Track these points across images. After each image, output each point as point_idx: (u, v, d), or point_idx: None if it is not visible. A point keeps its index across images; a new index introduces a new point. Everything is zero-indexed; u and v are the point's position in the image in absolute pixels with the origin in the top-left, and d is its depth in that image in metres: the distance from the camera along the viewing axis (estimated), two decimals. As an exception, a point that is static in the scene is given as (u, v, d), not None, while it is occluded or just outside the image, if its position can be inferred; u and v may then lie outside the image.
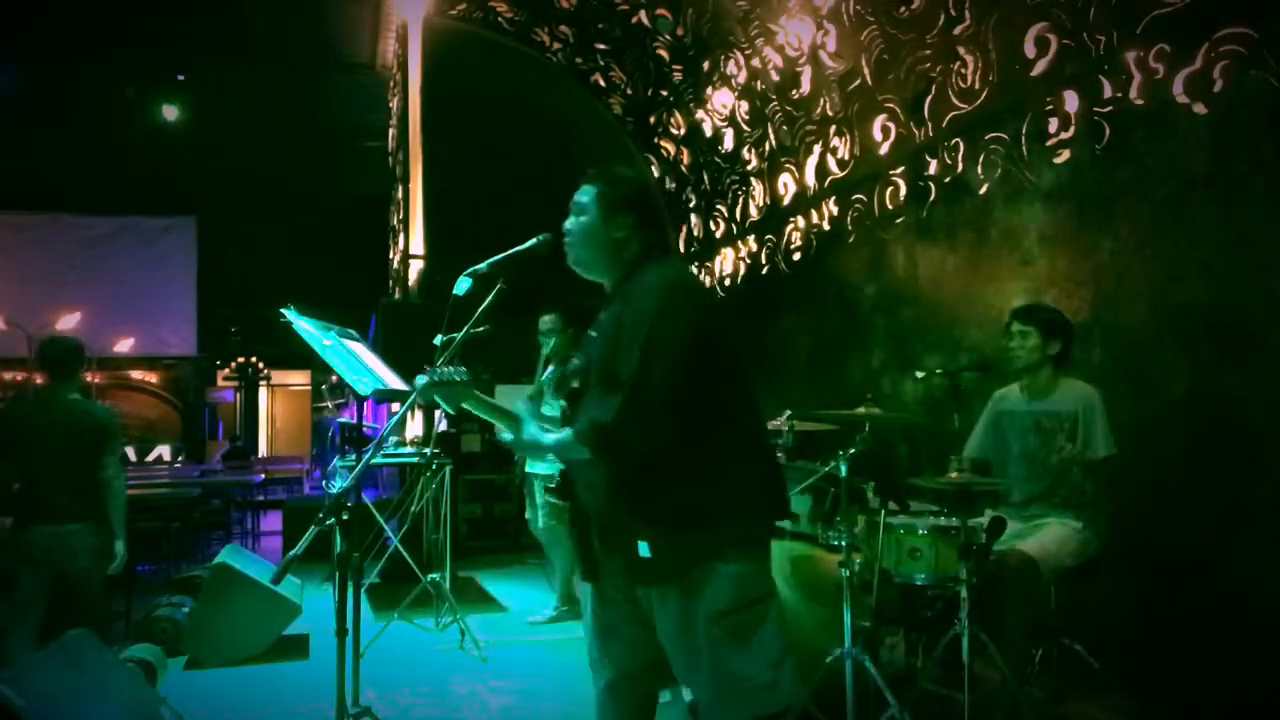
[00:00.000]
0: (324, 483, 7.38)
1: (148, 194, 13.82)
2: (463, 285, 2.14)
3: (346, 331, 3.26)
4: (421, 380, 1.99)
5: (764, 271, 6.98)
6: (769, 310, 6.87)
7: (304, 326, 2.98)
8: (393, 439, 6.02)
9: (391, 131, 10.94)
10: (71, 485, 3.85)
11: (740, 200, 7.36)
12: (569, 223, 2.13)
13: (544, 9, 8.37)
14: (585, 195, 2.12)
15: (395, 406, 5.41)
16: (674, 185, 8.48)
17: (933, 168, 4.94)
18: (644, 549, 1.93)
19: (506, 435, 2.07)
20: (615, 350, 1.97)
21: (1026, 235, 4.29)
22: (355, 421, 4.76)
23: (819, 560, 3.57)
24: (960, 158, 4.71)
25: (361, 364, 3.15)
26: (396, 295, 9.45)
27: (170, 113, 11.90)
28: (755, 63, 6.64)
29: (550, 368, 4.89)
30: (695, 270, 8.19)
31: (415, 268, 8.26)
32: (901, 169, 5.23)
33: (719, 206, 7.76)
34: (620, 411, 1.88)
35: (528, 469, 5.09)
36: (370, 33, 9.90)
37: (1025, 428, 3.49)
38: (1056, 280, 4.11)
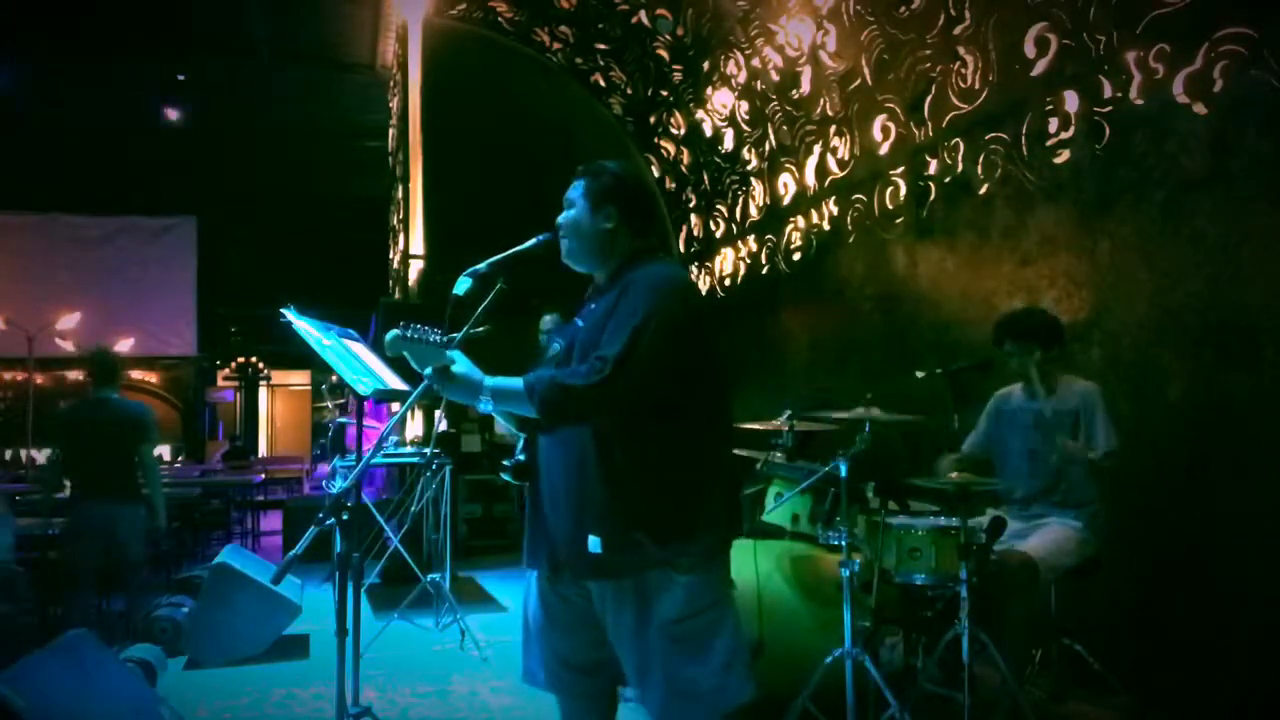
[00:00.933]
0: (324, 482, 7.38)
1: (148, 194, 13.82)
2: (463, 285, 2.13)
3: (346, 331, 3.26)
4: (393, 334, 1.94)
5: (764, 271, 6.98)
6: (769, 310, 6.87)
7: (304, 326, 2.98)
8: (393, 439, 6.02)
9: (391, 131, 10.95)
10: (112, 471, 4.65)
11: (740, 200, 7.36)
12: (561, 217, 2.16)
13: (544, 9, 8.37)
14: (574, 190, 2.16)
15: (395, 406, 5.41)
16: (674, 185, 8.49)
17: (933, 168, 4.95)
18: (594, 544, 1.91)
19: (429, 369, 1.97)
20: (600, 335, 1.96)
21: (1026, 235, 4.29)
22: (340, 423, 4.80)
23: (819, 560, 3.57)
24: (960, 158, 4.71)
25: (361, 364, 3.15)
26: (396, 295, 9.45)
27: (170, 113, 11.90)
28: (755, 63, 6.64)
29: None
30: (695, 270, 8.20)
31: (415, 268, 8.26)
32: (901, 169, 5.23)
33: (719, 206, 7.76)
34: (582, 377, 1.89)
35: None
36: (370, 33, 9.90)
37: (1026, 425, 3.49)
38: (1056, 280, 4.11)
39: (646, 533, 1.91)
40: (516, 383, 1.97)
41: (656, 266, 2.07)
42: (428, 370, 1.98)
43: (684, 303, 2.02)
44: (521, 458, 2.16)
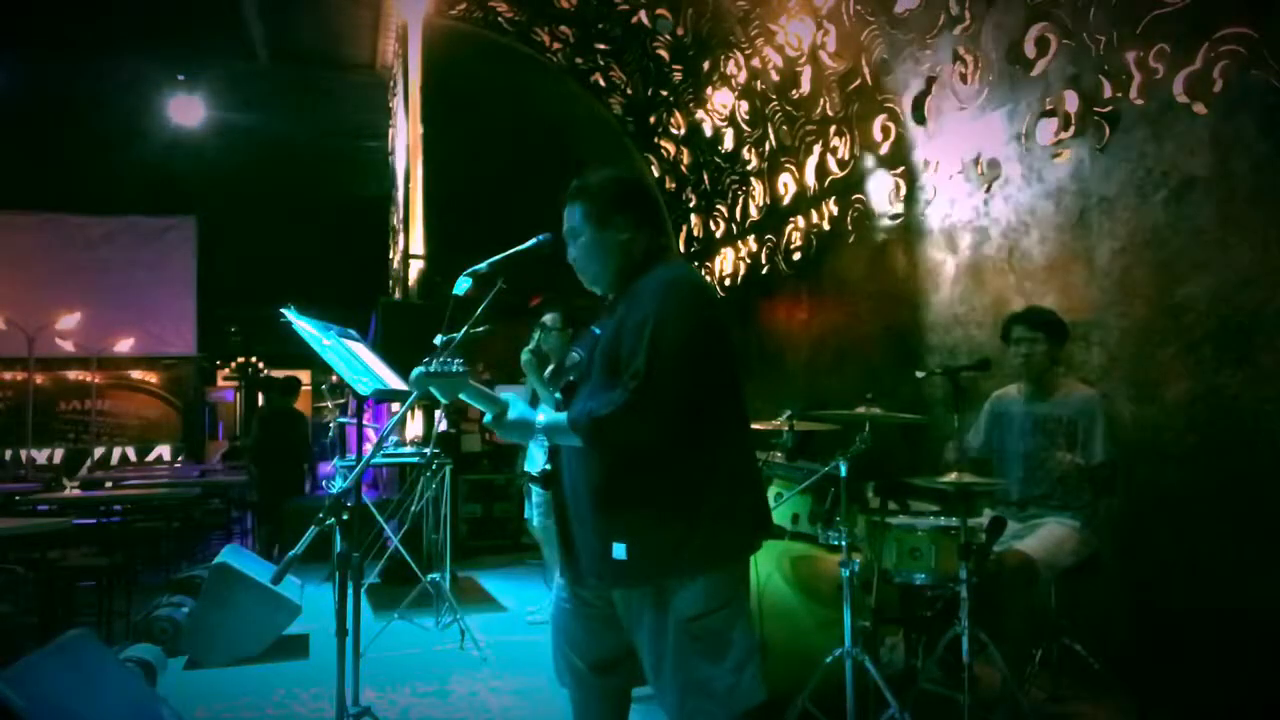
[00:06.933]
0: (324, 482, 7.40)
1: (148, 194, 13.80)
2: (462, 285, 2.13)
3: (346, 331, 3.26)
4: (418, 371, 1.98)
5: (764, 271, 6.98)
6: (769, 310, 6.86)
7: (304, 326, 2.98)
8: (393, 439, 6.02)
9: (391, 131, 10.94)
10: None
11: (740, 200, 7.36)
12: (570, 251, 2.11)
13: (544, 9, 8.37)
14: (574, 218, 2.10)
15: (395, 407, 5.41)
16: (674, 185, 8.48)
17: (933, 167, 4.95)
18: (619, 551, 1.92)
19: (488, 417, 2.07)
20: (618, 348, 1.96)
21: (1027, 235, 4.30)
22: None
23: (819, 560, 3.57)
24: (960, 157, 4.71)
25: (361, 364, 3.15)
26: (396, 295, 9.44)
27: (173, 112, 11.89)
28: (755, 63, 6.63)
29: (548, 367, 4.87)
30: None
31: (415, 268, 8.26)
32: (901, 169, 5.23)
33: (719, 206, 7.75)
34: (619, 407, 1.88)
35: (525, 467, 5.08)
36: (370, 33, 9.89)
37: (1025, 429, 3.48)
38: (1056, 280, 4.11)
39: (669, 536, 1.92)
40: (561, 419, 1.99)
41: (662, 269, 2.04)
42: (487, 418, 2.06)
43: (696, 301, 2.00)
44: (548, 466, 2.17)
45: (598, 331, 2.09)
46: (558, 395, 2.14)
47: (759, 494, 2.13)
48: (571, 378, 2.11)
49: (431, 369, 1.95)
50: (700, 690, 1.93)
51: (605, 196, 2.08)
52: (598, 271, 2.10)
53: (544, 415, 2.05)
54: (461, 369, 1.97)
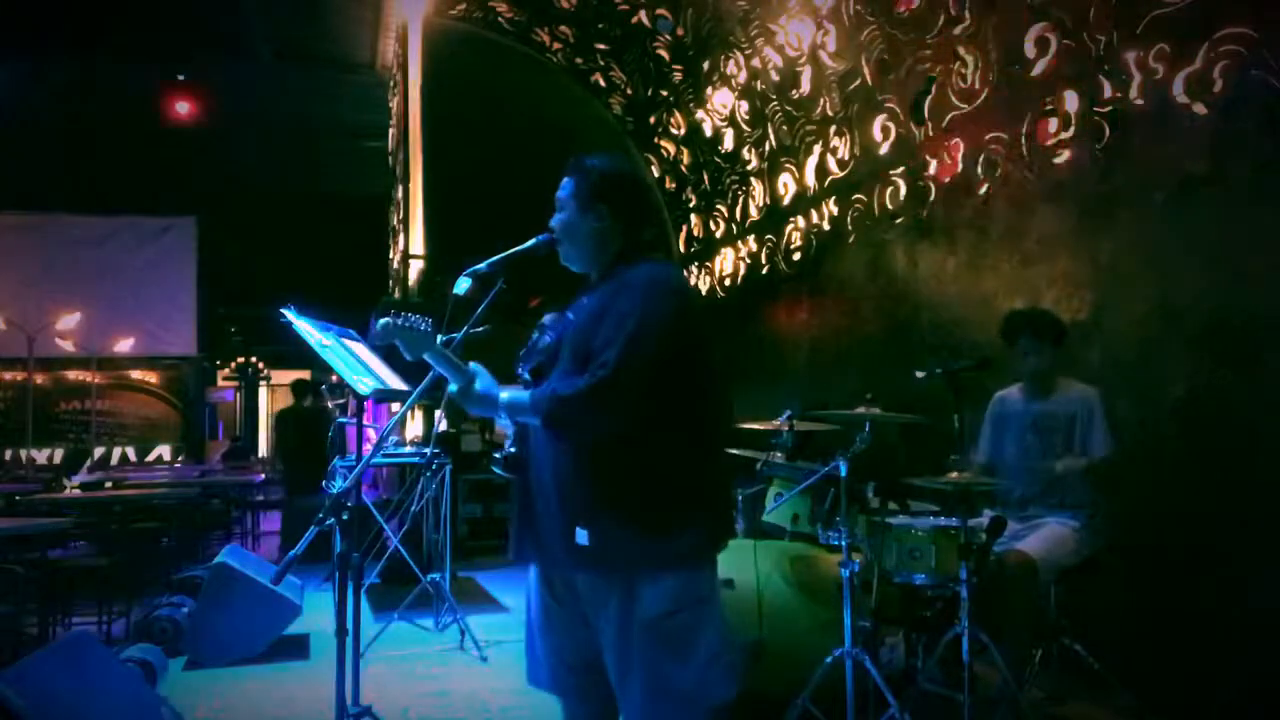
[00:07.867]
0: (324, 482, 7.40)
1: (148, 194, 13.80)
2: (462, 285, 2.12)
3: (346, 331, 3.26)
4: (384, 322, 1.95)
5: (764, 271, 6.98)
6: (769, 310, 6.86)
7: (303, 326, 2.98)
8: (393, 439, 6.02)
9: (391, 131, 10.95)
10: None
11: (740, 200, 7.36)
12: (553, 219, 2.13)
13: (544, 9, 8.37)
14: (564, 190, 2.12)
15: (395, 407, 5.41)
16: (674, 185, 8.48)
17: (933, 168, 4.94)
18: (582, 536, 1.91)
19: (453, 387, 2.03)
20: (593, 335, 1.95)
21: (1026, 235, 4.29)
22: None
23: (819, 560, 3.57)
24: (960, 158, 4.71)
25: (361, 364, 3.15)
26: (396, 295, 9.45)
27: (173, 111, 11.88)
28: (755, 63, 6.63)
29: None
30: (695, 270, 8.20)
31: (415, 268, 8.26)
32: (901, 169, 5.23)
33: (719, 206, 7.75)
34: (584, 392, 1.88)
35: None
36: (370, 33, 9.90)
37: (1023, 429, 3.49)
38: (1056, 280, 4.11)
39: (634, 528, 1.91)
40: (525, 397, 1.98)
41: (650, 267, 2.04)
42: (452, 388, 2.02)
43: (678, 303, 2.00)
44: (513, 450, 2.15)
45: (570, 316, 2.09)
46: (525, 375, 2.13)
47: (724, 493, 2.13)
48: (541, 359, 2.10)
49: (398, 322, 1.93)
50: (666, 690, 1.91)
51: (593, 180, 2.09)
52: (571, 250, 2.12)
53: (509, 392, 2.03)
54: (429, 328, 1.95)
